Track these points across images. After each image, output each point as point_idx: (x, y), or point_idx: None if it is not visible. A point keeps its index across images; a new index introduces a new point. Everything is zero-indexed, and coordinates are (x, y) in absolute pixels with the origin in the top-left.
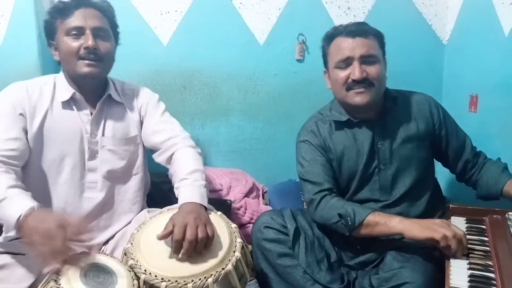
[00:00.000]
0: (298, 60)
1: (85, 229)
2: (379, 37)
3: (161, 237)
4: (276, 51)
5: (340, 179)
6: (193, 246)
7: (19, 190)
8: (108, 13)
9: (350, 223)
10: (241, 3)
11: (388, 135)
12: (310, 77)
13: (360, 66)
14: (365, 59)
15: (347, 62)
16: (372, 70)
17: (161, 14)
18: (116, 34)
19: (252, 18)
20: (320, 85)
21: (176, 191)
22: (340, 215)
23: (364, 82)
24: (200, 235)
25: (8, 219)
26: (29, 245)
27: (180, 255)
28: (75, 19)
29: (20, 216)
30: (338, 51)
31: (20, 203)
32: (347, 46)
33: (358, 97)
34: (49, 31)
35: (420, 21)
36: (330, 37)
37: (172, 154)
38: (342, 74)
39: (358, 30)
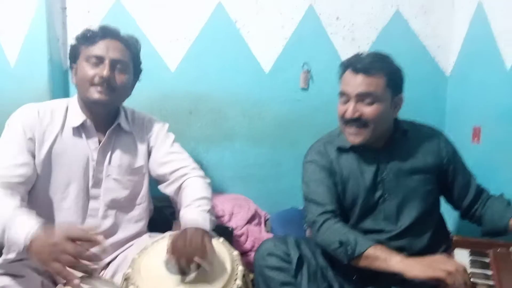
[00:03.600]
0: (303, 89)
1: (93, 239)
2: (389, 75)
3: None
4: (281, 79)
5: (344, 204)
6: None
7: (24, 210)
8: (132, 48)
9: (349, 252)
10: (248, 32)
11: (394, 165)
12: (315, 105)
13: (355, 105)
14: (362, 98)
15: (346, 98)
16: (367, 110)
17: (170, 41)
18: (138, 70)
19: (258, 47)
20: (324, 113)
21: (180, 220)
22: (341, 242)
23: (357, 121)
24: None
25: (15, 240)
26: (41, 263)
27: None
28: (98, 48)
29: (28, 235)
30: (342, 83)
31: (26, 224)
32: (348, 81)
33: (351, 137)
34: (73, 55)
35: (423, 53)
36: (343, 66)
37: (181, 184)
38: (341, 107)
39: (363, 66)
